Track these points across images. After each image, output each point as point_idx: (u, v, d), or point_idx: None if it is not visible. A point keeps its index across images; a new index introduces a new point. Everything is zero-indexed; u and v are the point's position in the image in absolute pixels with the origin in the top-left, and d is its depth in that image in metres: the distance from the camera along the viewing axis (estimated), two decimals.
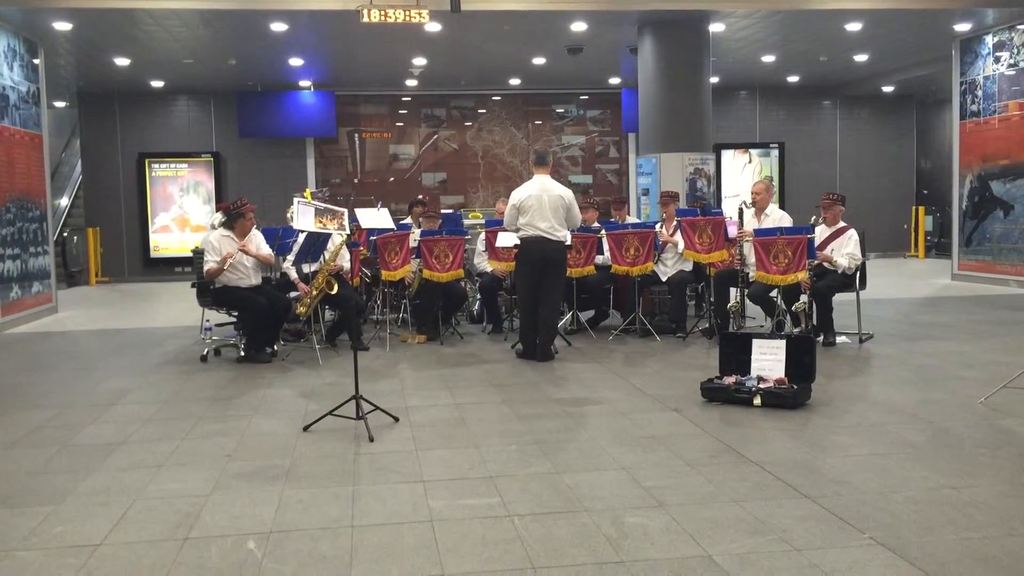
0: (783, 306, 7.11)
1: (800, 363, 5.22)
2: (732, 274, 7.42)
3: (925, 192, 17.84)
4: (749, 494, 3.58)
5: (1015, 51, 11.40)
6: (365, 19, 9.12)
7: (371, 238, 7.89)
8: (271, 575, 2.91)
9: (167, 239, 15.80)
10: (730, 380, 5.27)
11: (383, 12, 9.08)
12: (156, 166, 15.69)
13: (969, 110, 12.26)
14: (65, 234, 14.89)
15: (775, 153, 16.97)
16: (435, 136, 16.82)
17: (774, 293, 7.12)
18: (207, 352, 7.20)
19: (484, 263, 8.37)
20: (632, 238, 7.71)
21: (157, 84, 14.97)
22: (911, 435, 4.43)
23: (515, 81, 15.88)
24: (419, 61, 13.55)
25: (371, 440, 4.49)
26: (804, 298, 7.02)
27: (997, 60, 11.69)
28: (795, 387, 5.08)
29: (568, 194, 6.89)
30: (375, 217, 8.21)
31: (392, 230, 7.98)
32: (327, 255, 7.14)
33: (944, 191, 15.46)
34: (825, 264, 7.25)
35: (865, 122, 17.57)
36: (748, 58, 13.84)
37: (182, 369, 6.80)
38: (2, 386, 6.37)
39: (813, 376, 5.25)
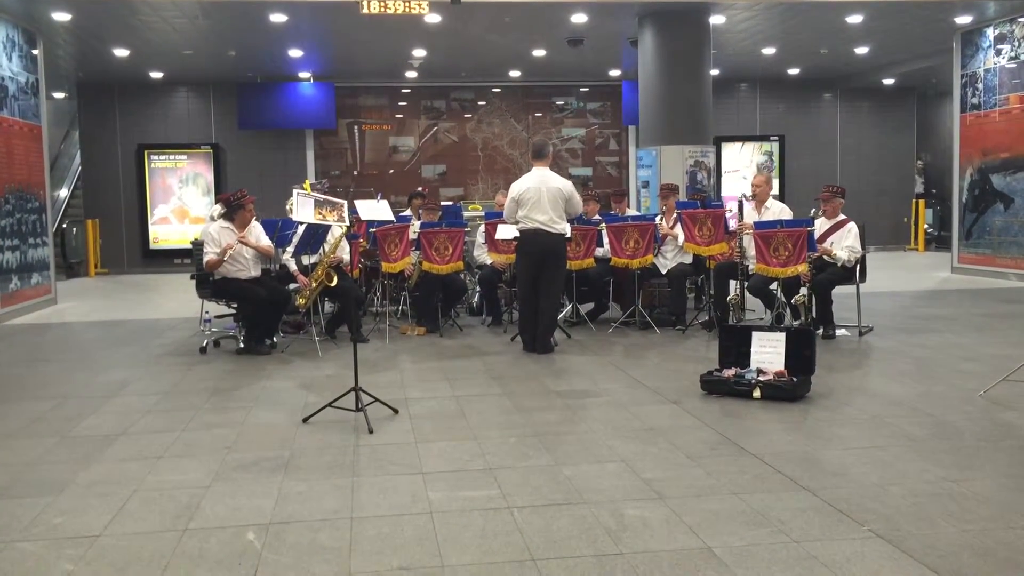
0: (783, 299, 7.11)
1: (800, 356, 5.22)
2: (732, 267, 7.43)
3: (934, 191, 17.77)
4: (748, 486, 3.58)
5: (1016, 44, 11.37)
6: (365, 10, 9.10)
7: (371, 230, 7.88)
8: (270, 566, 2.91)
9: (166, 231, 15.78)
10: (730, 373, 5.28)
11: (383, 3, 9.06)
12: (155, 157, 15.65)
13: (970, 103, 12.24)
14: (64, 225, 14.89)
15: (775, 145, 16.95)
16: (435, 128, 16.79)
17: (774, 286, 7.12)
18: (206, 344, 7.19)
19: (484, 255, 8.36)
20: (632, 231, 7.70)
21: (156, 75, 14.93)
22: (910, 428, 4.43)
23: (515, 73, 15.85)
24: (419, 53, 13.51)
25: (371, 432, 4.49)
26: (804, 291, 7.02)
27: (998, 53, 11.66)
28: (795, 380, 5.08)
29: (567, 185, 6.87)
30: (375, 209, 8.20)
31: (392, 222, 7.97)
32: (327, 247, 7.14)
33: (945, 184, 15.44)
34: (825, 257, 7.25)
35: (866, 115, 17.52)
36: (748, 50, 13.80)
37: (182, 361, 6.79)
38: (1, 377, 6.37)
39: (813, 369, 5.25)
